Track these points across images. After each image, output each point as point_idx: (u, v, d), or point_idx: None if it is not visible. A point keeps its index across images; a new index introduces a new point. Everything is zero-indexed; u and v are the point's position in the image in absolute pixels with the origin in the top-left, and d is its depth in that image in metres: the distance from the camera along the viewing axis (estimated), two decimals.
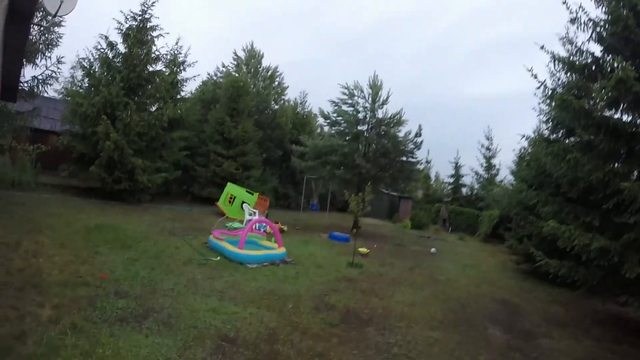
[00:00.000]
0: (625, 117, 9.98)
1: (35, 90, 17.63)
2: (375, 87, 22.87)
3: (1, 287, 6.34)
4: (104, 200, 19.23)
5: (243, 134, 27.05)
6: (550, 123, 12.96)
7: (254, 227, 13.39)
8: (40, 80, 17.60)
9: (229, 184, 20.94)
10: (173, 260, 9.98)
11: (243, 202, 18.53)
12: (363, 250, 14.83)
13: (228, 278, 9.00)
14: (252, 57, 35.70)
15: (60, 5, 7.61)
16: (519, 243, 16.64)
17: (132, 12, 21.20)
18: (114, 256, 9.51)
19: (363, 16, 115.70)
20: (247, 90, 29.49)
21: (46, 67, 17.43)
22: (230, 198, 20.18)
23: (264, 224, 14.09)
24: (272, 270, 10.35)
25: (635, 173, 9.90)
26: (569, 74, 11.58)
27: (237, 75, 32.19)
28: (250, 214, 16.38)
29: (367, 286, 10.21)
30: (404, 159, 23.12)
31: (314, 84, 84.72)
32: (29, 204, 14.96)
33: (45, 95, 20.64)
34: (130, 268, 8.65)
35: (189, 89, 38.42)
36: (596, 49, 10.75)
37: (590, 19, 10.40)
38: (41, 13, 16.09)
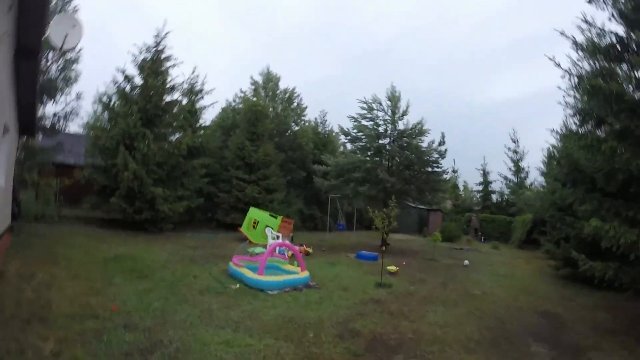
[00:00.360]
0: None
1: (57, 126, 17.78)
2: (394, 99, 22.41)
3: (8, 319, 6.04)
4: (126, 231, 19.05)
5: (264, 158, 26.79)
6: (578, 115, 12.28)
7: (275, 251, 12.89)
8: (61, 117, 17.76)
9: (251, 208, 20.61)
10: (189, 289, 9.50)
11: (266, 226, 18.12)
12: (392, 268, 14.12)
13: (246, 307, 8.43)
14: (270, 80, 35.68)
15: (65, 39, 7.36)
16: (556, 247, 15.73)
17: (145, 44, 21.46)
18: (129, 287, 9.13)
19: (379, 31, 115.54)
20: (265, 113, 29.36)
21: (66, 103, 17.64)
22: (254, 223, 19.78)
23: (286, 248, 13.62)
24: (294, 296, 9.70)
25: None
26: (591, 61, 10.93)
27: (255, 99, 32.04)
28: (274, 238, 15.93)
29: (396, 308, 9.49)
30: (429, 169, 22.53)
31: (334, 101, 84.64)
32: (51, 236, 14.79)
33: (69, 130, 20.78)
34: (143, 299, 8.23)
35: (209, 116, 38.61)
36: (619, 29, 9.97)
37: None
38: (58, 51, 16.26)
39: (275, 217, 19.71)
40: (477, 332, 8.06)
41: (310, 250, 17.77)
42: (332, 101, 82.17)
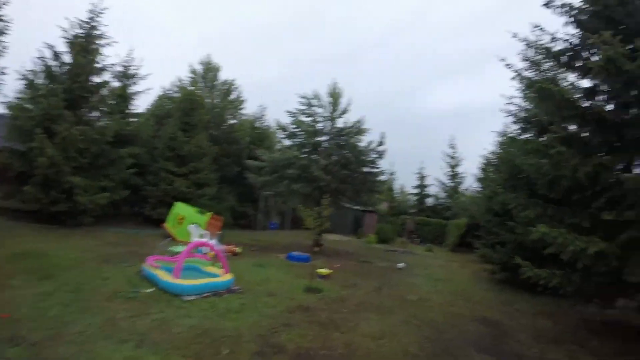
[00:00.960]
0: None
1: None
2: (335, 96, 21.80)
3: None
4: (42, 224, 17.41)
5: (197, 150, 25.38)
6: (522, 123, 12.27)
7: (194, 251, 11.79)
8: None
9: (177, 203, 19.38)
10: (96, 294, 8.38)
11: (192, 223, 17.00)
12: (323, 271, 13.36)
13: (156, 315, 7.39)
14: (209, 70, 34.21)
15: None
16: (491, 251, 15.76)
17: (78, 19, 19.85)
18: (27, 290, 8.03)
19: (330, 40, 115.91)
20: (201, 103, 28.07)
21: None
22: (181, 219, 18.58)
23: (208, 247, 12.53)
24: (213, 303, 8.67)
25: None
26: (538, 72, 10.93)
27: (192, 88, 30.64)
28: (200, 236, 14.90)
29: (326, 316, 8.73)
30: (366, 169, 21.99)
31: (276, 103, 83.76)
32: None
33: None
34: (40, 305, 7.18)
35: (143, 103, 36.71)
36: (572, 39, 10.01)
37: (565, 4, 9.69)
38: None
39: (203, 214, 18.59)
40: (415, 343, 7.48)
41: (238, 250, 16.70)
42: (274, 103, 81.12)
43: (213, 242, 14.07)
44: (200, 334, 6.72)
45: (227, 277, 10.30)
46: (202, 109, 28.13)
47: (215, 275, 10.44)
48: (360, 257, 19.73)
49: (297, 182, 20.38)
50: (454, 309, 10.81)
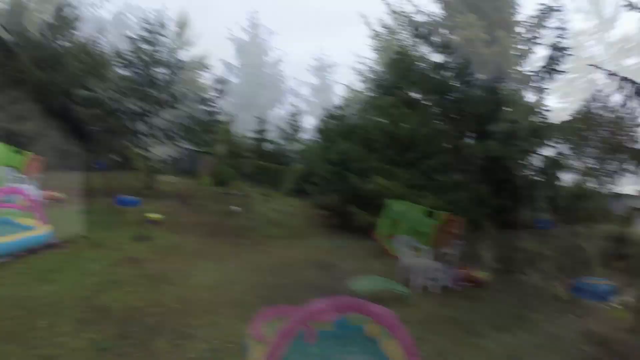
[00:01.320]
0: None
1: None
2: (182, 25, 20.54)
3: None
4: None
5: (15, 75, 22.53)
6: (368, 82, 13.07)
7: (4, 199, 10.25)
8: None
9: None
10: None
11: (5, 165, 15.10)
12: (154, 216, 12.78)
13: None
14: None
15: None
16: (326, 198, 16.48)
17: None
18: None
19: None
20: (27, 18, 25.24)
21: None
22: None
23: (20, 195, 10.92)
24: (29, 263, 7.71)
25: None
26: (394, 39, 11.83)
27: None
28: (15, 180, 13.32)
29: (157, 268, 8.30)
30: (204, 108, 21.41)
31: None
32: None
33: None
34: None
35: None
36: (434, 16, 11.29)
37: None
38: None
39: (20, 153, 16.54)
40: (251, 291, 7.52)
41: (62, 196, 15.08)
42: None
43: (30, 187, 12.65)
44: (12, 305, 5.88)
45: (45, 229, 9.20)
46: (26, 25, 25.06)
47: (31, 229, 9.20)
48: (194, 200, 19.27)
49: (131, 118, 19.31)
50: (290, 253, 11.07)
